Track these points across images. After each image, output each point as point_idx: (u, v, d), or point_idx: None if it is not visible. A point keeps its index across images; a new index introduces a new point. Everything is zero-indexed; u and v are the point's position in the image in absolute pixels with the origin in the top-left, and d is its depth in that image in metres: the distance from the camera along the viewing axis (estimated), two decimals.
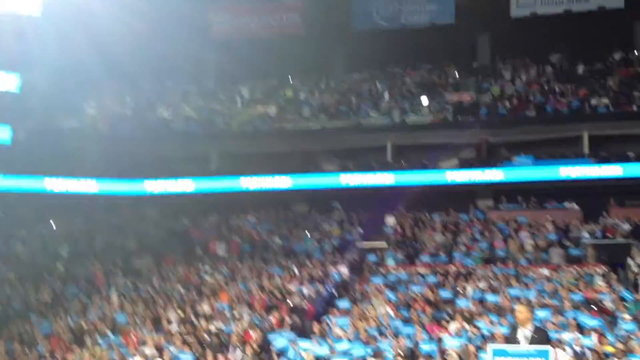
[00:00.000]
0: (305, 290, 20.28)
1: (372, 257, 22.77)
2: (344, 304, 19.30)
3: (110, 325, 18.92)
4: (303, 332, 18.08)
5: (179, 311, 19.28)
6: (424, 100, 29.72)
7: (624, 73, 28.74)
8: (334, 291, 20.84)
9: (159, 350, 16.52)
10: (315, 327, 17.61)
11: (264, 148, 28.27)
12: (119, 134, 29.13)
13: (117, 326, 18.87)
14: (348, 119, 29.10)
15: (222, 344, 17.09)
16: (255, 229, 26.73)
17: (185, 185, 27.57)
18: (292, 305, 19.33)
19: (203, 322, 18.34)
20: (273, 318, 18.25)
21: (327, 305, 19.84)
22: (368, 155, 28.36)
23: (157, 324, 18.68)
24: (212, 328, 17.86)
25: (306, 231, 25.83)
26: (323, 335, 16.92)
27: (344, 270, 22.30)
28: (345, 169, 27.94)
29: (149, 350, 16.50)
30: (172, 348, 16.54)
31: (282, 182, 27.03)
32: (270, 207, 27.82)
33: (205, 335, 17.48)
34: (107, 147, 27.72)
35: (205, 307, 19.49)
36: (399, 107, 29.36)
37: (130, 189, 27.67)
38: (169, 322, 18.70)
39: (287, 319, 18.31)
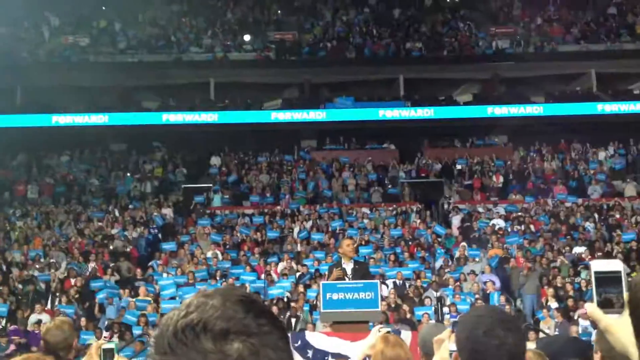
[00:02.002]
0: (128, 234, 19.42)
1: (197, 198, 22.26)
2: (169, 246, 18.77)
3: None
4: (127, 278, 17.37)
5: None
6: (247, 37, 29.20)
7: (436, 19, 30.24)
8: (158, 234, 20.18)
9: None
10: (140, 272, 17.00)
11: (77, 82, 26.12)
12: None
13: None
14: (168, 54, 27.78)
15: (38, 293, 15.93)
16: (69, 169, 24.92)
17: None
18: (113, 250, 18.45)
19: (15, 271, 16.92)
20: (94, 264, 17.30)
21: (151, 249, 19.19)
22: (190, 92, 27.38)
23: None
24: (26, 277, 16.53)
25: (126, 172, 24.56)
26: (149, 280, 16.37)
27: (168, 212, 21.63)
28: (166, 106, 26.80)
29: None
30: None
31: (97, 118, 25.28)
32: (86, 145, 26.01)
33: (19, 285, 16.16)
34: None
35: (16, 255, 17.96)
36: (221, 43, 28.56)
37: None
38: None
39: (110, 264, 17.46)
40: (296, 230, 19.90)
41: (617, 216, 19.98)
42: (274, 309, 14.68)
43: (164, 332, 0.94)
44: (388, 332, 3.83)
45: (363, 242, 18.62)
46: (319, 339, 9.55)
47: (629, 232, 18.50)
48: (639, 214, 20.33)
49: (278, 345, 0.94)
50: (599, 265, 1.48)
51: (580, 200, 21.28)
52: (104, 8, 30.95)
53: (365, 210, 21.45)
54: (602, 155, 24.33)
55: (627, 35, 27.78)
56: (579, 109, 25.21)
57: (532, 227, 19.40)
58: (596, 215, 20.13)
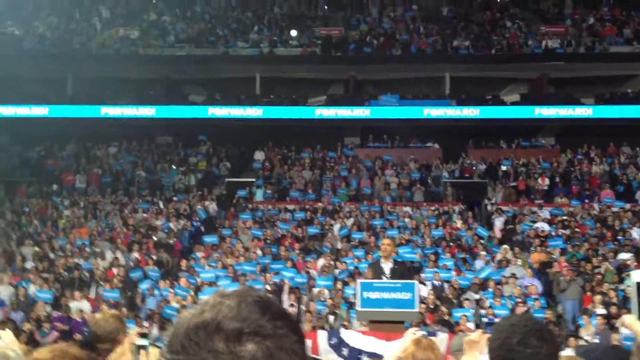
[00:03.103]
0: (171, 226, 19.74)
1: (240, 193, 22.50)
2: (211, 239, 19.01)
3: None
4: (169, 269, 17.68)
5: (35, 247, 18.11)
6: (294, 33, 29.33)
7: (485, 17, 29.83)
8: (201, 227, 20.46)
9: (15, 287, 15.48)
10: (182, 264, 17.27)
11: (126, 74, 26.66)
12: None
13: None
14: (215, 48, 28.09)
15: (82, 282, 16.33)
16: (117, 160, 25.46)
17: (39, 110, 25.49)
18: (157, 241, 18.77)
19: (61, 259, 17.38)
20: (137, 254, 17.65)
21: (193, 241, 19.47)
22: (236, 86, 27.66)
23: (10, 260, 17.44)
24: (71, 264, 16.96)
25: (172, 164, 24.96)
26: (190, 272, 16.62)
27: (211, 205, 21.90)
28: (212, 100, 27.12)
29: (3, 289, 15.39)
30: (29, 285, 15.55)
31: (145, 111, 25.74)
32: (133, 137, 26.53)
33: (64, 272, 16.60)
34: None
35: (63, 243, 18.44)
36: (267, 38, 28.76)
37: None
38: (24, 258, 17.53)
39: (153, 255, 17.79)
40: (337, 227, 19.93)
41: None
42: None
43: (178, 331, 0.93)
44: (422, 335, 3.84)
45: (403, 242, 18.54)
46: (354, 337, 9.58)
47: None
48: None
49: (294, 349, 0.91)
50: None
51: (627, 206, 20.76)
52: (154, 1, 31.49)
53: (407, 209, 21.34)
54: None
55: None
56: (629, 112, 24.55)
57: (577, 231, 19.01)
58: None
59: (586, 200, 21.22)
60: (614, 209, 20.44)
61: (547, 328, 2.07)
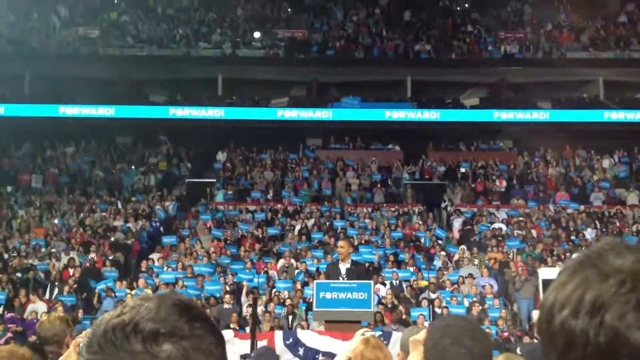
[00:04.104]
0: (129, 226, 19.52)
1: (200, 193, 22.34)
2: (170, 240, 18.85)
3: None
4: (126, 270, 17.48)
5: None
6: (257, 34, 29.29)
7: (446, 22, 30.21)
8: (160, 227, 20.28)
9: None
10: (140, 265, 17.09)
11: (85, 73, 26.27)
12: None
13: None
14: (177, 49, 27.89)
15: (37, 282, 16.04)
16: (74, 160, 25.06)
17: None
18: (114, 242, 18.54)
19: (15, 259, 17.03)
20: (94, 255, 17.39)
21: (152, 242, 19.28)
22: (198, 87, 27.49)
23: None
24: (26, 265, 16.64)
25: (131, 165, 24.68)
26: (149, 273, 16.45)
27: (170, 205, 21.72)
28: (173, 100, 26.89)
29: None
30: None
31: (104, 111, 25.41)
32: (92, 137, 26.15)
33: (18, 273, 16.28)
34: None
35: (17, 243, 18.09)
36: (230, 39, 28.66)
37: None
38: None
39: (110, 256, 17.56)
40: (297, 228, 19.95)
41: (618, 224, 19.94)
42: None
43: (96, 332, 0.93)
44: (371, 335, 3.87)
45: (363, 242, 18.66)
46: (310, 337, 9.60)
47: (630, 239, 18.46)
48: (639, 222, 20.28)
49: (211, 351, 0.92)
50: (547, 272, 1.50)
51: (582, 207, 21.24)
52: (115, 1, 31.10)
53: (367, 210, 21.48)
54: (606, 163, 24.26)
55: (637, 43, 27.68)
56: (585, 116, 25.15)
57: (533, 232, 19.36)
58: (597, 222, 20.08)
59: (542, 202, 21.63)
60: (569, 211, 20.89)
61: (479, 328, 2.12)
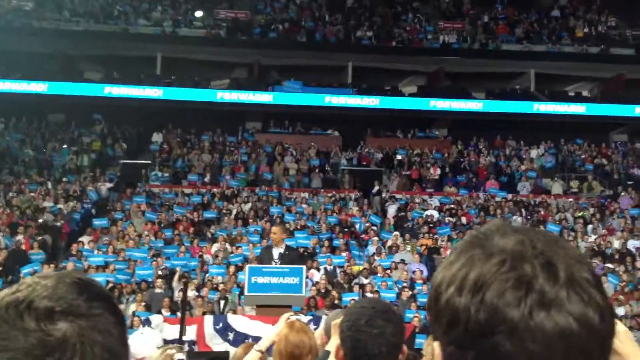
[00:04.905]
0: (60, 207, 19.06)
1: (135, 175, 21.96)
2: (101, 222, 18.50)
3: None
4: (55, 253, 17.10)
5: None
6: (198, 13, 28.85)
7: (388, 10, 30.44)
8: (92, 209, 19.88)
9: None
10: (69, 248, 16.75)
11: (18, 47, 25.32)
12: None
13: None
14: (115, 25, 27.20)
15: None
16: (3, 137, 24.22)
17: None
18: (43, 223, 18.07)
19: None
20: (21, 237, 16.93)
21: (83, 224, 18.89)
22: (136, 66, 26.90)
23: None
24: None
25: (63, 144, 24.03)
26: (78, 256, 16.14)
27: (103, 187, 21.31)
28: (110, 78, 26.27)
29: None
30: None
31: (37, 87, 24.61)
32: (22, 114, 25.30)
33: None
34: None
35: None
36: (171, 17, 28.14)
37: None
38: None
39: (38, 237, 17.13)
40: (234, 212, 19.89)
41: (543, 212, 20.70)
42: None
43: None
44: (296, 319, 3.93)
45: (299, 227, 18.78)
46: (241, 322, 9.64)
47: (552, 228, 19.16)
48: (562, 212, 21.10)
49: (109, 331, 0.89)
50: None
51: (510, 196, 21.95)
52: None
53: (305, 195, 21.58)
54: (534, 153, 25.09)
55: (568, 38, 28.56)
56: (517, 107, 25.87)
57: (463, 219, 19.88)
58: (524, 211, 20.79)
59: (473, 190, 22.23)
60: (497, 199, 21.54)
61: (393, 310, 2.22)
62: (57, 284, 0.89)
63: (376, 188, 22.51)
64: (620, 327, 1.84)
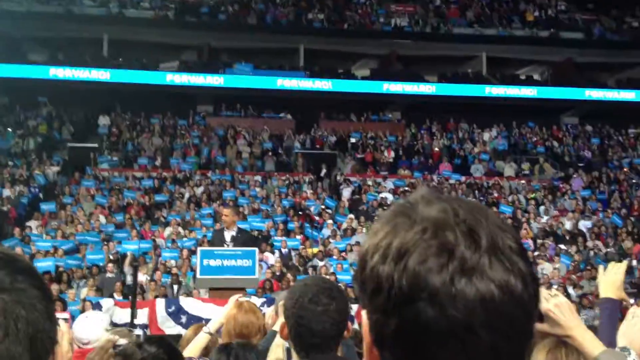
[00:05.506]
0: (6, 192, 18.47)
1: (83, 159, 21.41)
2: (48, 207, 18.01)
3: None
4: (1, 238, 16.56)
5: None
6: None
7: None
8: (39, 194, 19.32)
9: None
10: (17, 232, 16.25)
11: None
12: None
13: None
14: (59, 5, 26.35)
15: None
16: None
17: None
18: None
19: None
20: None
21: (31, 209, 18.35)
22: (81, 47, 26.13)
23: None
24: None
25: (8, 127, 23.24)
26: (26, 241, 15.67)
27: (51, 171, 20.72)
28: (55, 60, 25.46)
29: None
30: None
31: None
32: None
33: None
34: None
35: None
36: None
37: None
38: None
39: None
40: (186, 196, 19.60)
41: (496, 194, 21.01)
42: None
43: None
44: (245, 300, 3.88)
45: (252, 211, 18.62)
46: (193, 304, 9.51)
47: (505, 209, 19.50)
48: (515, 193, 21.47)
49: (34, 305, 0.88)
50: None
51: (463, 178, 22.20)
52: None
53: (258, 178, 21.41)
54: (486, 136, 25.43)
55: (518, 21, 28.96)
56: (469, 90, 26.15)
57: None
58: (477, 193, 21.07)
59: (426, 173, 22.40)
60: (451, 181, 21.76)
61: (337, 287, 2.22)
62: None
63: (324, 171, 22.49)
64: (561, 299, 1.83)
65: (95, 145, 22.69)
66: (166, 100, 24.75)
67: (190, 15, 27.41)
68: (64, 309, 11.52)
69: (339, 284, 13.57)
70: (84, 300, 11.99)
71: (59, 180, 20.56)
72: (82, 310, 10.60)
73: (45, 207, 17.88)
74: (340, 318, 2.10)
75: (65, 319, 8.09)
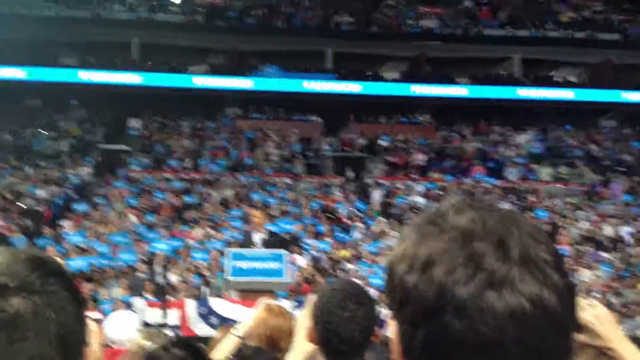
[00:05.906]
0: (40, 192, 18.73)
1: (115, 160, 21.66)
2: (82, 207, 18.22)
3: None
4: (36, 237, 16.78)
5: None
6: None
7: None
8: (73, 194, 19.56)
9: None
10: (50, 232, 16.44)
11: None
12: None
13: None
14: (89, 10, 26.68)
15: None
16: None
17: None
18: (24, 208, 17.76)
19: None
20: (1, 221, 16.62)
21: (64, 209, 18.57)
22: (110, 51, 26.39)
23: None
24: None
25: (41, 129, 23.60)
26: (59, 241, 15.84)
27: (83, 172, 20.98)
28: (85, 64, 25.77)
29: None
30: None
31: (13, 72, 24.12)
32: None
33: None
34: None
35: None
36: (146, 2, 27.69)
37: None
38: None
39: (18, 222, 16.82)
40: (216, 197, 19.64)
41: (532, 199, 20.61)
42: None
43: None
44: (275, 303, 3.84)
45: (281, 213, 18.57)
46: (223, 306, 9.49)
47: (541, 214, 19.12)
48: (552, 198, 21.01)
49: (64, 308, 0.88)
50: None
51: (497, 182, 21.84)
52: None
53: (287, 180, 21.38)
54: (521, 138, 25.00)
55: (552, 23, 28.52)
56: (501, 93, 25.81)
57: None
58: (512, 197, 20.69)
59: (459, 176, 22.11)
60: (485, 185, 21.42)
61: (364, 292, 2.18)
62: (12, 260, 0.89)
63: (352, 174, 22.38)
64: (601, 310, 1.71)
65: (127, 147, 22.89)
66: (195, 103, 24.88)
67: (218, 19, 27.58)
68: (96, 308, 11.60)
69: (371, 288, 13.44)
70: (116, 299, 12.07)
71: (92, 182, 20.79)
72: (114, 310, 10.68)
73: (79, 207, 18.09)
74: (368, 324, 2.07)
75: (97, 320, 8.11)
